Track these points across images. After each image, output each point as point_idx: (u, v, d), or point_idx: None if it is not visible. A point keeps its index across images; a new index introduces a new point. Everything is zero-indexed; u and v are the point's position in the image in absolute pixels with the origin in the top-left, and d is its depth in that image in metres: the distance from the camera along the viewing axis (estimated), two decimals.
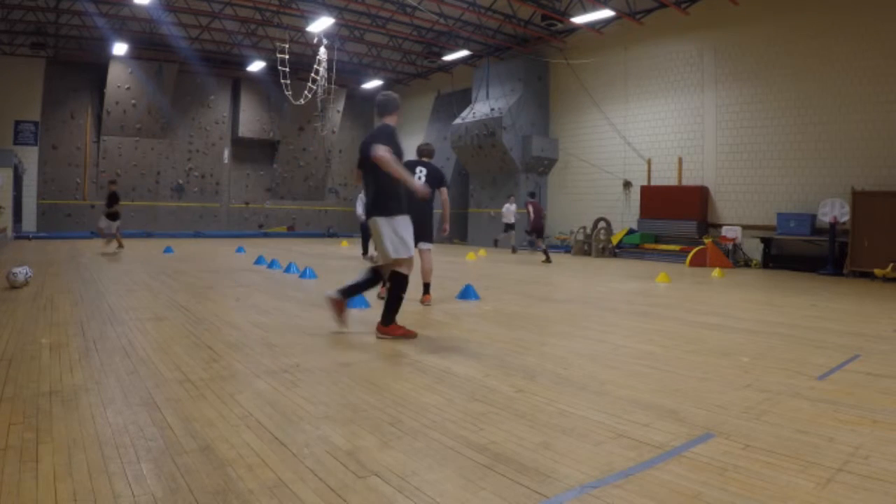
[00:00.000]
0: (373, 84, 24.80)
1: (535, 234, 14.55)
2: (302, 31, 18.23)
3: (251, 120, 24.23)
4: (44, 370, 3.56)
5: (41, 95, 20.24)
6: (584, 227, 17.02)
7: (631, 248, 16.01)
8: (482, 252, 15.55)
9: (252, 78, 23.25)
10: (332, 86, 19.12)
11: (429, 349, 4.43)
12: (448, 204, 6.87)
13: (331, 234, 25.15)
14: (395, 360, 4.10)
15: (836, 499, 2.08)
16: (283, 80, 18.00)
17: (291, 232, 24.83)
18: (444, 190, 6.71)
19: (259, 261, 11.55)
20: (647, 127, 16.48)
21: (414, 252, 4.85)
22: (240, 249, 14.94)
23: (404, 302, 4.91)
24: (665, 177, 16.06)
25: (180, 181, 23.23)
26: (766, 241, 13.50)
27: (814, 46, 12.84)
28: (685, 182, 15.51)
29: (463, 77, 22.27)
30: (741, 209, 14.33)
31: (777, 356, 4.42)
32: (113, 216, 13.41)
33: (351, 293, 4.91)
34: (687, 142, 15.54)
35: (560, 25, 17.16)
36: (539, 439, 2.62)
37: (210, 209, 23.91)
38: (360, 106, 27.53)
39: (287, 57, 17.46)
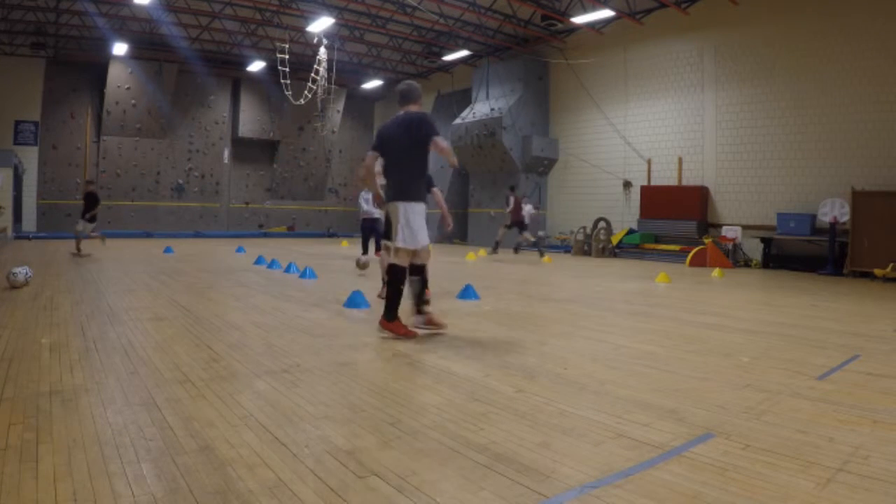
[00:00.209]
0: (373, 84, 24.80)
1: (517, 229, 14.72)
2: (302, 31, 18.23)
3: (251, 120, 24.23)
4: (44, 370, 3.56)
5: (41, 95, 20.24)
6: (584, 227, 17.02)
7: (631, 248, 16.00)
8: (482, 252, 15.55)
9: (252, 78, 23.24)
10: (332, 86, 19.12)
11: (429, 349, 4.43)
12: (443, 202, 6.94)
13: (331, 235, 25.15)
14: (395, 360, 4.10)
15: (836, 499, 2.08)
16: (283, 80, 18.00)
17: (291, 232, 24.82)
18: (435, 190, 6.80)
19: (259, 261, 11.55)
20: (647, 127, 16.48)
21: (420, 245, 4.79)
22: (240, 249, 14.94)
23: (404, 300, 4.90)
24: (665, 177, 16.06)
25: (180, 181, 23.23)
26: (766, 241, 13.50)
27: (814, 46, 12.84)
28: (685, 182, 15.51)
29: (463, 77, 22.27)
30: (741, 209, 14.33)
31: (777, 356, 4.42)
32: (92, 219, 12.70)
33: (392, 307, 4.80)
34: (687, 142, 15.54)
35: (560, 25, 17.16)
36: (539, 439, 2.62)
37: (210, 209, 23.90)
38: (360, 106, 27.53)
39: (287, 57, 17.46)
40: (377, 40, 20.51)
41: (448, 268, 11.34)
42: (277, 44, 18.07)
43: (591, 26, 16.90)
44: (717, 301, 7.75)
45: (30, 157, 19.87)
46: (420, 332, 4.91)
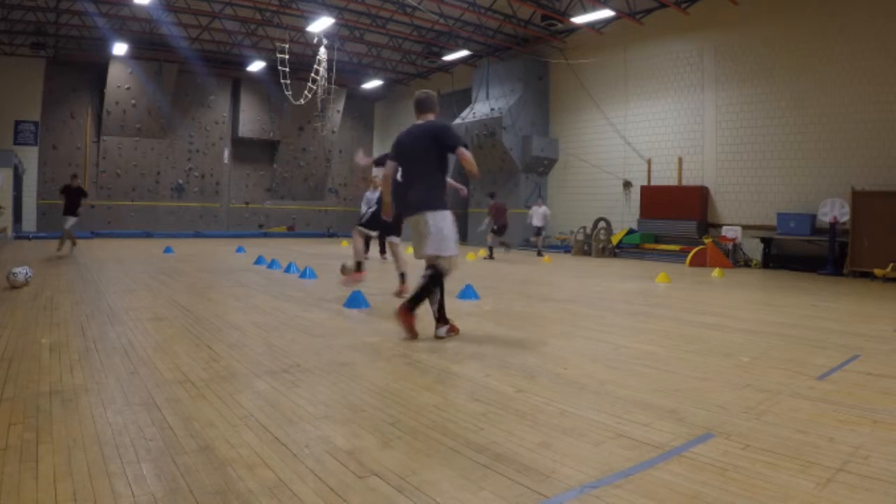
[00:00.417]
0: (373, 84, 24.80)
1: (501, 233, 14.88)
2: (302, 31, 18.22)
3: (251, 120, 24.23)
4: (44, 370, 3.56)
5: (41, 95, 20.24)
6: (584, 227, 17.03)
7: (631, 248, 16.00)
8: (482, 252, 15.54)
9: (252, 78, 23.24)
10: (332, 86, 19.12)
11: (429, 349, 4.43)
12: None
13: (331, 235, 25.15)
14: (395, 360, 4.10)
15: (836, 499, 2.08)
16: (283, 80, 17.99)
17: (291, 232, 24.82)
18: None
19: (259, 261, 11.55)
20: (647, 127, 16.48)
21: (449, 253, 4.73)
22: (240, 249, 14.94)
23: (401, 299, 4.90)
24: (665, 177, 16.06)
25: (180, 181, 23.23)
26: (766, 241, 13.50)
27: (814, 46, 12.85)
28: (685, 182, 15.51)
29: (463, 77, 22.27)
30: (741, 209, 14.33)
31: (777, 356, 4.42)
32: (73, 212, 12.29)
33: (416, 302, 4.68)
34: (687, 142, 15.54)
35: (560, 25, 17.16)
36: (539, 439, 2.62)
37: (210, 209, 23.90)
38: (360, 106, 27.53)
39: (287, 57, 17.46)
40: (377, 40, 20.51)
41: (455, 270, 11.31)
42: (277, 44, 18.07)
43: (591, 26, 16.90)
44: (717, 301, 7.75)
45: (30, 157, 19.86)
46: (420, 332, 4.90)
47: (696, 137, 15.32)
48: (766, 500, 2.06)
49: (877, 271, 11.03)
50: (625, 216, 16.95)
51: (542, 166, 19.22)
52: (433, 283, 4.66)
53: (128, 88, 21.00)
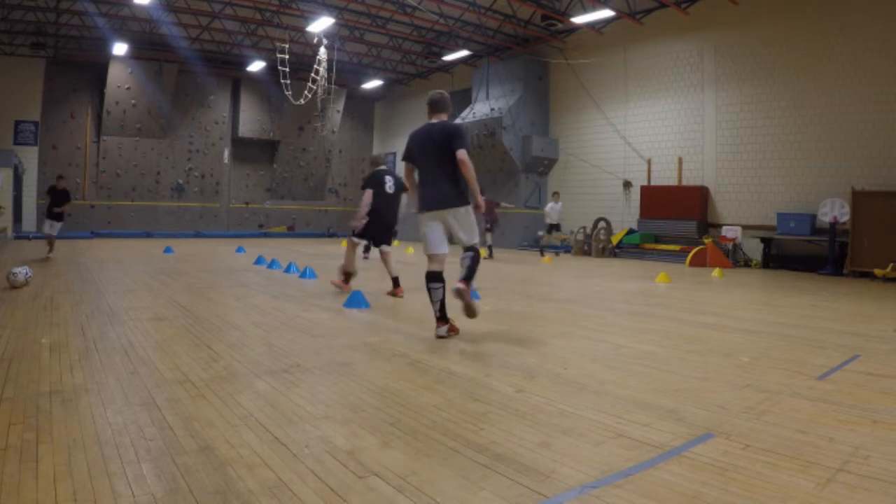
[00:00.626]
0: (373, 84, 24.79)
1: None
2: (302, 31, 18.22)
3: (251, 120, 24.23)
4: (44, 370, 3.56)
5: (41, 95, 20.23)
6: (584, 227, 17.03)
7: (631, 248, 16.00)
8: (482, 252, 15.53)
9: (252, 78, 23.24)
10: (332, 86, 19.11)
11: (429, 349, 4.43)
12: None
13: (331, 235, 25.15)
14: (395, 360, 4.10)
15: (836, 499, 2.08)
16: (283, 80, 17.99)
17: (291, 232, 24.82)
18: (403, 196, 7.74)
19: (259, 261, 11.55)
20: (647, 127, 16.48)
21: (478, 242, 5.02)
22: (240, 249, 14.94)
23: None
24: (665, 177, 16.06)
25: (180, 181, 23.23)
26: (766, 241, 13.50)
27: (814, 46, 12.84)
28: (685, 182, 15.51)
29: (463, 77, 22.26)
30: (741, 209, 14.33)
31: (777, 356, 4.42)
32: (59, 216, 11.59)
33: (470, 277, 4.87)
34: (687, 142, 15.54)
35: (560, 25, 17.16)
36: (539, 439, 2.62)
37: (210, 209, 23.90)
38: (360, 106, 27.53)
39: (287, 57, 17.45)
40: (377, 40, 20.51)
41: (448, 268, 11.31)
42: (277, 44, 18.06)
43: (591, 26, 16.90)
44: (717, 301, 7.75)
45: (30, 157, 19.86)
46: (419, 332, 4.91)
47: (696, 137, 15.32)
48: (766, 500, 2.06)
49: (877, 271, 11.03)
50: (625, 216, 16.94)
51: (542, 166, 19.21)
52: (478, 259, 4.90)
53: (128, 88, 20.99)
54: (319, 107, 20.65)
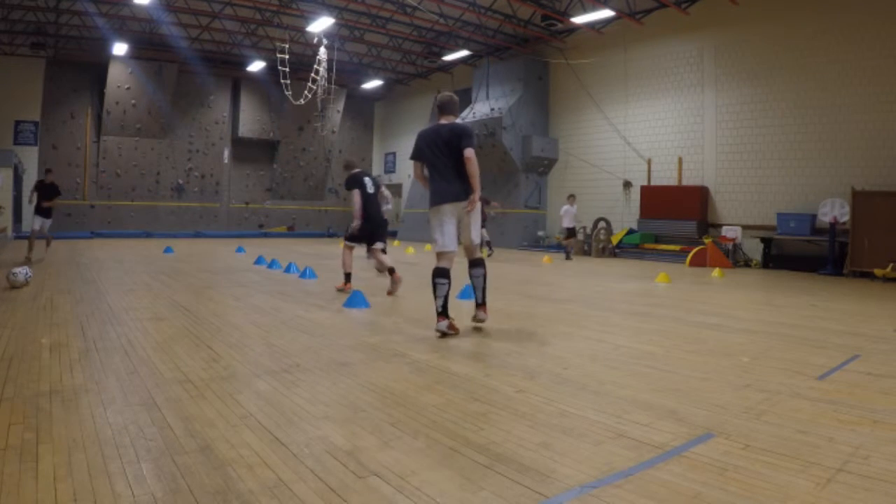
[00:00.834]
0: (373, 84, 24.79)
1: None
2: (302, 31, 18.23)
3: (251, 120, 24.24)
4: (44, 370, 3.56)
5: (41, 95, 20.25)
6: (585, 227, 17.03)
7: (631, 248, 16.01)
8: (483, 252, 15.55)
9: (252, 78, 23.25)
10: (332, 86, 19.11)
11: (429, 349, 4.43)
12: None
13: (331, 234, 25.15)
14: (395, 360, 4.10)
15: (836, 499, 2.08)
16: (283, 80, 17.99)
17: (291, 232, 24.83)
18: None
19: (259, 261, 11.55)
20: (647, 127, 16.48)
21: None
22: (240, 249, 14.94)
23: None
24: (665, 177, 16.06)
25: (180, 181, 23.24)
26: (766, 241, 13.50)
27: (814, 46, 12.85)
28: (685, 182, 15.51)
29: (463, 77, 22.27)
30: (741, 209, 14.33)
31: (777, 356, 4.42)
32: (48, 212, 10.87)
33: (483, 294, 5.29)
34: (687, 142, 15.54)
35: (560, 25, 17.17)
36: (539, 439, 2.62)
37: (210, 209, 23.91)
38: (360, 106, 27.54)
39: (287, 57, 17.45)
40: (377, 40, 20.51)
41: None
42: (277, 44, 18.06)
43: (591, 26, 16.90)
44: (717, 301, 7.75)
45: (30, 157, 19.87)
46: (418, 331, 4.91)
47: (696, 137, 15.32)
48: (765, 500, 2.06)
49: (877, 271, 11.03)
50: (625, 216, 16.95)
51: (542, 166, 19.21)
52: (486, 274, 5.28)
53: (128, 88, 21.00)
54: (319, 107, 20.66)
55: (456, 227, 5.10)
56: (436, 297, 4.92)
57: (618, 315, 6.44)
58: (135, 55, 20.28)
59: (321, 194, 26.67)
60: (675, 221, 15.21)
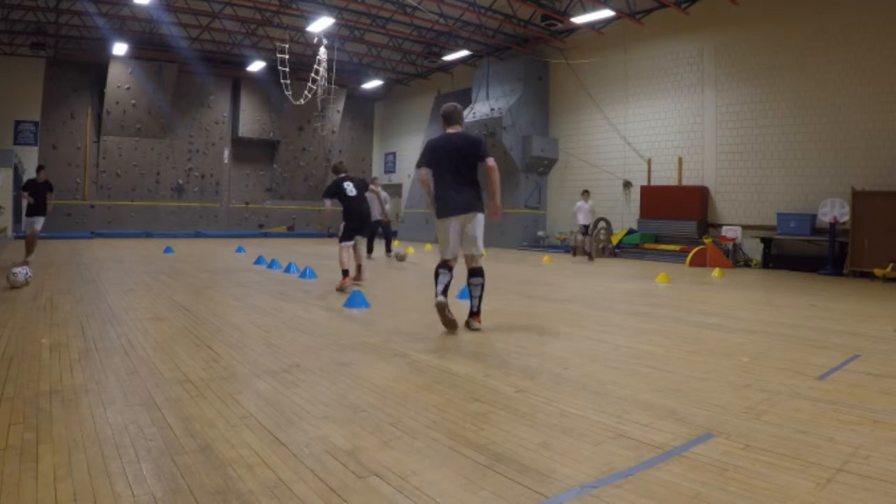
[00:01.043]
0: (373, 84, 24.79)
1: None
2: (302, 31, 18.23)
3: (251, 120, 24.23)
4: (44, 370, 3.56)
5: (41, 95, 20.24)
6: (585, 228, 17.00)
7: (631, 248, 16.00)
8: (483, 253, 15.54)
9: (252, 78, 23.23)
10: (332, 86, 19.10)
11: (429, 349, 4.43)
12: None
13: (331, 235, 25.10)
14: (395, 360, 4.10)
15: (836, 499, 2.08)
16: (283, 80, 17.97)
17: (291, 232, 24.82)
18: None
19: (259, 261, 11.55)
20: (647, 127, 16.48)
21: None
22: (240, 249, 14.94)
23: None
24: (665, 177, 16.05)
25: (180, 181, 23.23)
26: (766, 241, 13.50)
27: (814, 46, 12.84)
28: (685, 182, 15.51)
29: (463, 77, 22.27)
30: (741, 209, 14.33)
31: (777, 356, 4.42)
32: (42, 210, 10.23)
33: (479, 302, 5.32)
34: (687, 142, 15.54)
35: (560, 25, 17.16)
36: (539, 439, 2.62)
37: (210, 209, 23.90)
38: (360, 106, 27.52)
39: (287, 57, 17.44)
40: (377, 40, 20.51)
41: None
42: (277, 44, 18.05)
43: (591, 26, 16.89)
44: (717, 301, 7.75)
45: (30, 157, 19.83)
46: (414, 332, 4.91)
47: (696, 137, 15.32)
48: (765, 500, 2.06)
49: (877, 271, 11.02)
50: (625, 216, 16.94)
51: (542, 166, 19.21)
52: (485, 284, 5.32)
53: (128, 88, 21.00)
54: (319, 107, 20.65)
55: (460, 235, 5.14)
56: (437, 283, 5.02)
57: (618, 315, 6.44)
58: (135, 55, 20.27)
59: (321, 194, 26.65)
60: (675, 221, 15.20)
